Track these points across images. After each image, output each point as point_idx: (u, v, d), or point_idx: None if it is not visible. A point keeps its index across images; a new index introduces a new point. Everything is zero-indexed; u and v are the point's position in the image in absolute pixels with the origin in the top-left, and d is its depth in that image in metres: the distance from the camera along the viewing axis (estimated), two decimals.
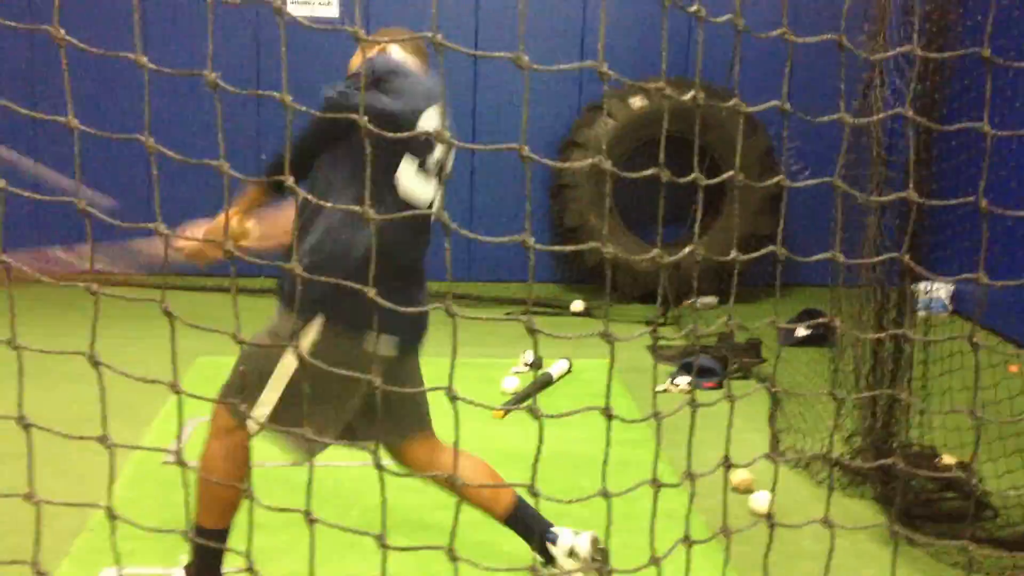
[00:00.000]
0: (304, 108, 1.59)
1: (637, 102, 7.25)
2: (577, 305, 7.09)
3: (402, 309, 1.63)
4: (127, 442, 3.77)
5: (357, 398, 2.75)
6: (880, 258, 3.04)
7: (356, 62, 2.92)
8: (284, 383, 2.65)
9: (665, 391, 5.16)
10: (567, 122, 7.51)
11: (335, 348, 2.57)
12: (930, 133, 3.06)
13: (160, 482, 3.73)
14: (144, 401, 1.91)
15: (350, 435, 2.83)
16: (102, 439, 1.63)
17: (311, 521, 1.60)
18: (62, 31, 1.47)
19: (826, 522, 1.86)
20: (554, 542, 2.99)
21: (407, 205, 2.70)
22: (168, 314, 1.57)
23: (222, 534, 2.73)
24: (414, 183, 2.72)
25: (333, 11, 7.33)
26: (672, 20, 7.54)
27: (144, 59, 1.49)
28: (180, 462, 1.63)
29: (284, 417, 2.61)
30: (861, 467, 3.40)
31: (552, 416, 1.58)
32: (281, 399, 2.65)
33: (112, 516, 1.64)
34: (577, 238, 7.25)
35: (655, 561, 1.75)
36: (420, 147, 2.71)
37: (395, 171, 2.67)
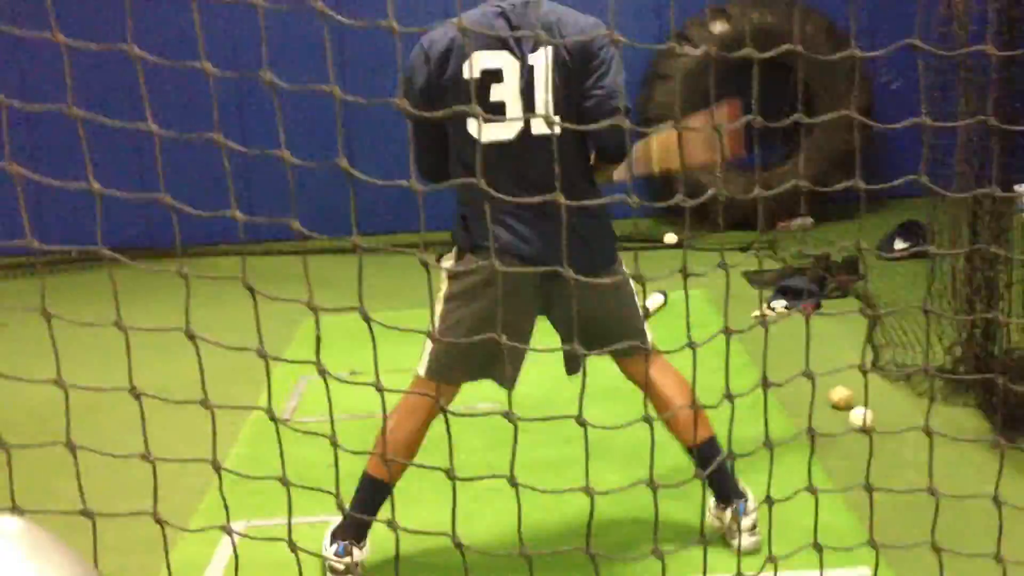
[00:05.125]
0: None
1: (719, 27, 7.14)
2: (671, 237, 7.08)
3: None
4: (245, 404, 3.96)
5: (520, 320, 2.90)
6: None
7: None
8: (438, 313, 2.91)
9: (763, 315, 5.15)
10: (649, 53, 7.43)
11: (470, 264, 2.86)
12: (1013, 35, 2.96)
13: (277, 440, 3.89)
14: (258, 363, 2.03)
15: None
16: (203, 402, 1.74)
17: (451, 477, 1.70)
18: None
19: (926, 431, 1.89)
20: (744, 512, 3.03)
21: (474, 149, 2.78)
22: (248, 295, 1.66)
23: (387, 487, 2.84)
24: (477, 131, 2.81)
25: None
26: None
27: (134, 47, 1.56)
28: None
29: (449, 356, 2.93)
30: (960, 377, 3.36)
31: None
32: (440, 335, 2.83)
33: (217, 469, 1.75)
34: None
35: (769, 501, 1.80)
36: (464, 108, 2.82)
37: (463, 127, 2.81)
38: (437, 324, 2.90)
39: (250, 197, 7.28)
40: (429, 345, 2.93)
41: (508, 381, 2.93)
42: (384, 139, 7.20)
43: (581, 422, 1.90)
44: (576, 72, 2.80)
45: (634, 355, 3.04)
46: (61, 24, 1.68)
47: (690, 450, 3.01)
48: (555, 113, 2.80)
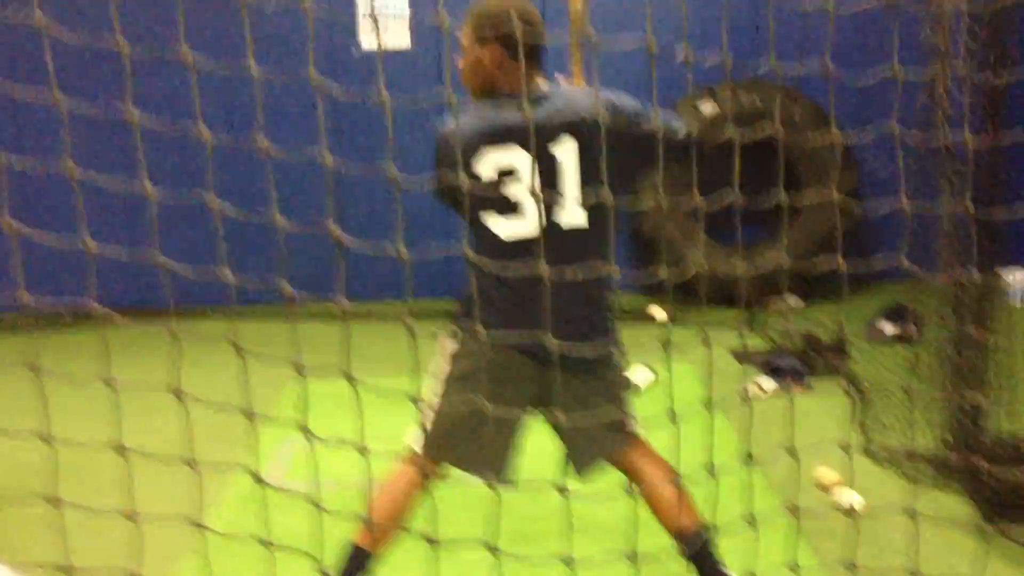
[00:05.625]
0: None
1: (708, 108, 7.24)
2: (657, 312, 7.09)
3: None
4: (229, 466, 3.91)
5: (516, 407, 2.81)
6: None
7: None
8: (436, 391, 2.86)
9: (750, 390, 5.15)
10: None
11: (471, 348, 2.80)
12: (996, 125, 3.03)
13: (262, 503, 3.85)
14: (242, 426, 2.02)
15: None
16: (190, 463, 1.74)
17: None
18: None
19: (909, 514, 1.89)
20: None
21: (495, 241, 2.79)
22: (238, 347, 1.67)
23: (371, 557, 2.83)
24: (497, 227, 2.79)
25: (405, 41, 7.40)
26: (741, 21, 7.38)
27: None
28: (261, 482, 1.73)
29: (444, 436, 2.85)
30: (942, 462, 3.36)
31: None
32: (437, 413, 2.85)
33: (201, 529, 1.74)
34: (655, 248, 7.27)
35: None
36: (485, 201, 2.76)
37: (481, 220, 2.80)
38: (436, 402, 2.88)
39: (240, 258, 7.29)
40: (424, 421, 2.91)
41: (499, 477, 2.93)
42: (375, 203, 7.26)
43: (561, 491, 1.90)
44: (611, 136, 2.68)
45: (624, 444, 3.04)
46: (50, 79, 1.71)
47: (676, 537, 2.98)
48: (586, 199, 2.75)
